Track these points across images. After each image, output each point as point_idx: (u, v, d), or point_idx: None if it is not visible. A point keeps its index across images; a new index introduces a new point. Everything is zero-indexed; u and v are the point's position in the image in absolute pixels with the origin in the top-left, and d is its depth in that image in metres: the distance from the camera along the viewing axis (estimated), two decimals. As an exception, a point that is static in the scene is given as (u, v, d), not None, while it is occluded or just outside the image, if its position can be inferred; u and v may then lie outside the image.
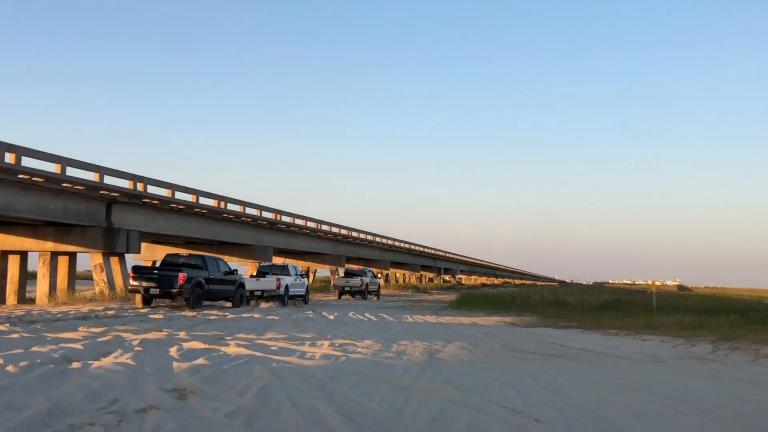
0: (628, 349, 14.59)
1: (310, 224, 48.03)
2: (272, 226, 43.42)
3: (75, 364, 8.85)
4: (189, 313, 20.06)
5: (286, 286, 30.23)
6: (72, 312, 19.20)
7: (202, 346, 11.77)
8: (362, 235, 58.60)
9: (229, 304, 26.12)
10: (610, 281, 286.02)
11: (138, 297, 23.30)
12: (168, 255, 25.81)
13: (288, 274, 31.35)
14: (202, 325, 16.10)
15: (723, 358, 13.30)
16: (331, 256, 53.80)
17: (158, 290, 22.66)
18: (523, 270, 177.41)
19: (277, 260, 52.70)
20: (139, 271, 23.29)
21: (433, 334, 16.87)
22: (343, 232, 54.12)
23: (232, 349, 11.39)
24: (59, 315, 17.74)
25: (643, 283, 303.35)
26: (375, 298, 43.86)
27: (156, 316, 18.47)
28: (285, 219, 44.41)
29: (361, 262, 62.42)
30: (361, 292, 42.59)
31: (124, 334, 13.18)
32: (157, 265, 27.75)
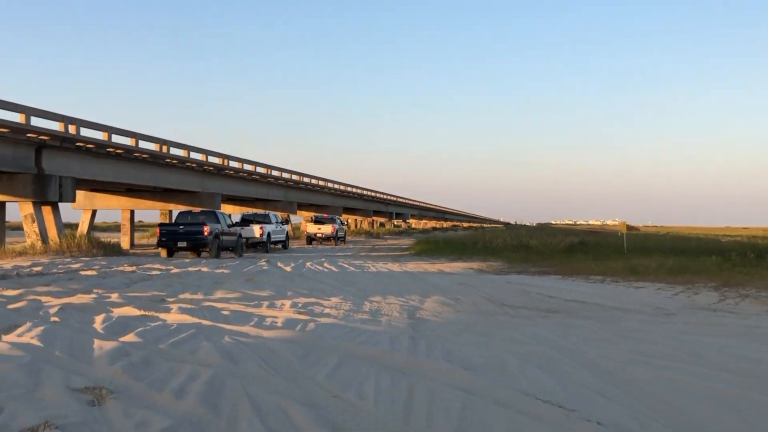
0: (626, 300, 12.83)
1: (260, 170, 45.34)
2: (220, 171, 40.62)
3: (-42, 349, 6.55)
4: (127, 268, 17.62)
5: (269, 234, 31.80)
6: (-8, 269, 16.63)
7: (136, 312, 9.52)
8: (314, 181, 56.10)
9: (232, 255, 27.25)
10: (553, 222, 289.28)
11: (163, 251, 25.26)
12: (180, 213, 27.00)
13: (269, 222, 32.90)
14: (141, 284, 13.77)
15: (736, 308, 11.62)
16: (283, 203, 51.20)
17: (185, 243, 24.49)
18: (469, 213, 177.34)
19: (226, 208, 50.06)
20: (166, 228, 25.36)
21: (404, 286, 14.90)
22: (294, 177, 51.51)
23: (173, 316, 9.17)
24: (-27, 274, 15.18)
25: (584, 223, 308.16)
26: (343, 243, 44.87)
27: (88, 272, 16.01)
28: (233, 164, 41.58)
29: (313, 209, 60.10)
30: (333, 238, 43.57)
31: (43, 298, 10.81)
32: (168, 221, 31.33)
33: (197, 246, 24.73)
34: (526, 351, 7.14)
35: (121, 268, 17.53)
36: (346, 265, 21.10)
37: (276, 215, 36.24)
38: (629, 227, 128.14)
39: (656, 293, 13.99)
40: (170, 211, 40.36)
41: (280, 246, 35.02)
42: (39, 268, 16.65)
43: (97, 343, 6.97)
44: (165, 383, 5.45)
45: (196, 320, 8.85)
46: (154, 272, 16.67)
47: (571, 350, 7.30)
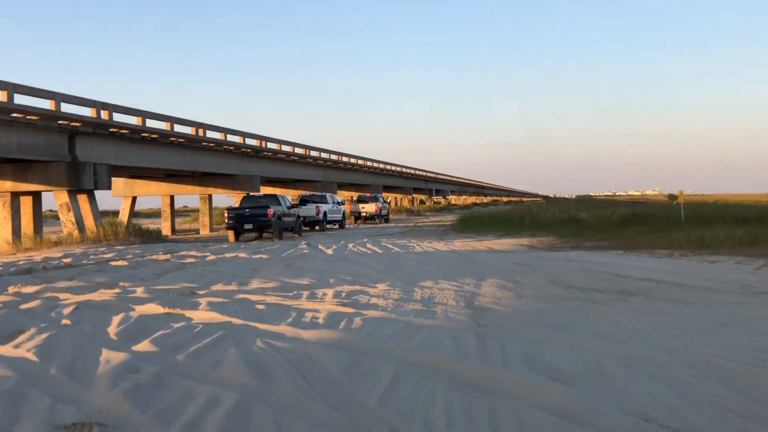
0: (706, 277, 11.26)
1: (298, 150, 44.17)
2: (257, 153, 39.55)
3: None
4: (161, 257, 16.53)
5: (324, 213, 33.24)
6: (22, 261, 15.68)
7: (160, 310, 8.32)
8: (353, 160, 54.80)
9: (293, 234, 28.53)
10: (592, 194, 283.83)
11: (231, 233, 26.31)
12: (244, 197, 28.17)
13: (326, 202, 34.28)
14: (173, 274, 12.60)
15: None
16: (322, 183, 49.99)
17: (252, 225, 25.65)
18: (508, 187, 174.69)
19: (266, 190, 49.11)
20: (233, 211, 26.25)
21: (455, 267, 13.52)
22: (333, 157, 50.27)
23: (200, 314, 7.93)
24: (0, 267, 14.20)
25: (624, 194, 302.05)
26: (386, 222, 44.00)
27: (119, 262, 14.94)
28: (271, 146, 40.45)
29: (353, 188, 58.90)
30: (378, 217, 43.28)
31: (62, 295, 9.69)
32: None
33: (262, 227, 26.05)
34: (624, 351, 5.71)
35: (155, 257, 16.45)
36: (390, 246, 19.77)
37: (333, 196, 37.43)
38: (672, 196, 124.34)
39: (736, 268, 12.37)
40: (210, 196, 39.48)
41: (336, 226, 36.44)
42: (69, 260, 15.65)
43: (104, 354, 5.75)
44: (175, 414, 4.19)
45: (225, 318, 7.60)
46: (188, 260, 15.55)
47: (677, 348, 5.85)
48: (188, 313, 8.04)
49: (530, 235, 24.75)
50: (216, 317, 7.71)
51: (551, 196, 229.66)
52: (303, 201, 33.75)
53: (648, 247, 17.25)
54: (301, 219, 30.55)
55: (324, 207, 33.35)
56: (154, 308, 8.42)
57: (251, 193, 30.16)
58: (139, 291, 9.98)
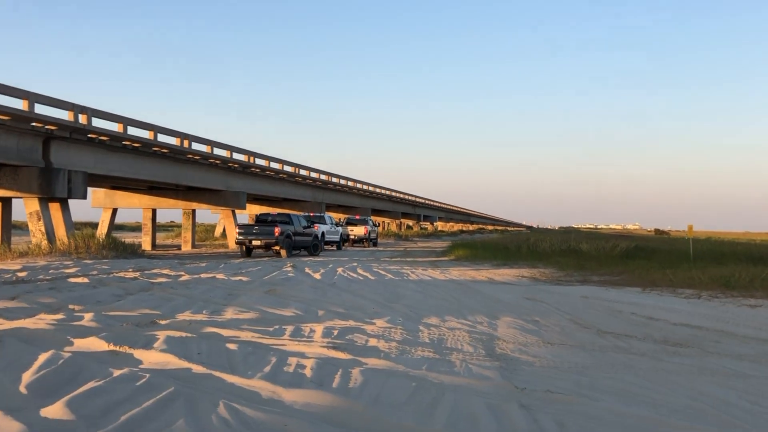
0: (752, 324, 9.55)
1: (287, 168, 42.28)
2: (245, 169, 37.63)
3: None
4: (129, 274, 14.56)
5: (322, 233, 32.65)
6: (-28, 275, 13.67)
7: (104, 347, 6.43)
8: (343, 181, 52.99)
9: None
10: (575, 225, 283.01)
11: (241, 249, 27.16)
12: (259, 214, 29.03)
13: (324, 223, 34.30)
14: (135, 297, 10.66)
15: None
16: (311, 204, 48.06)
17: (259, 242, 26.20)
18: (493, 216, 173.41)
19: (252, 207, 47.18)
20: (243, 228, 27.08)
21: (460, 301, 11.72)
22: (323, 177, 48.43)
23: (153, 356, 6.06)
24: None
25: (606, 227, 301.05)
26: (374, 246, 42.90)
27: (79, 279, 12.95)
28: (259, 162, 38.53)
29: (342, 210, 57.03)
30: (366, 240, 42.19)
31: (-10, 322, 7.77)
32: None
33: (269, 245, 26.38)
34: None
35: (121, 274, 14.48)
36: (382, 272, 17.93)
37: (331, 217, 37.57)
38: (660, 231, 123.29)
39: (783, 315, 10.65)
40: (193, 211, 37.47)
41: (334, 247, 36.61)
42: (24, 274, 13.66)
43: (-6, 423, 3.88)
44: None
45: (183, 364, 5.74)
46: (158, 279, 13.61)
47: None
48: (138, 354, 6.16)
49: (529, 265, 23.01)
50: (172, 361, 5.84)
51: (535, 226, 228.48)
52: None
53: (665, 284, 15.52)
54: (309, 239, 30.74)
55: (322, 227, 33.03)
56: (96, 344, 6.53)
57: (270, 212, 30.61)
58: (87, 318, 8.06)
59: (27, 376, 5.11)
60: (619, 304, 11.77)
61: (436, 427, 4.12)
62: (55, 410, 4.21)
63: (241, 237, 26.79)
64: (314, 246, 29.47)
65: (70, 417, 4.08)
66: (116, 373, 5.28)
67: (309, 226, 29.66)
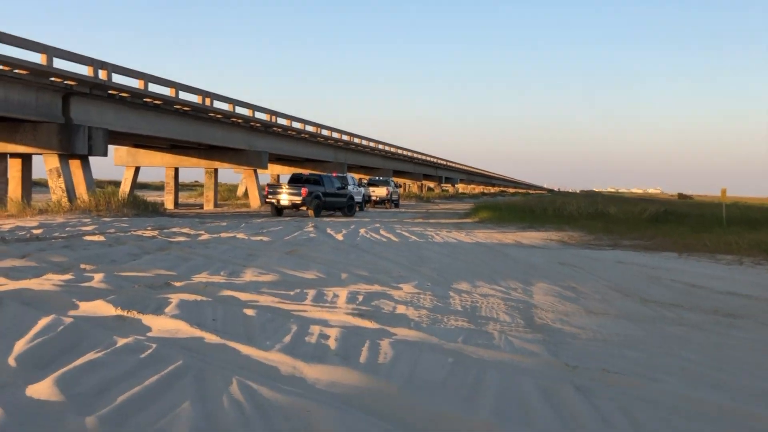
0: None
1: (309, 128, 41.51)
2: (267, 129, 36.95)
3: None
4: (147, 233, 14.06)
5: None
6: (-13, 231, 13.24)
7: (111, 311, 5.88)
8: (365, 142, 52.16)
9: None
10: (596, 189, 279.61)
11: (271, 208, 27.14)
12: (293, 174, 28.80)
13: (348, 184, 33.25)
14: (151, 256, 10.12)
15: None
16: (333, 164, 47.32)
17: (288, 201, 26.07)
18: (515, 178, 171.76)
19: (274, 168, 46.63)
20: (272, 187, 27.08)
21: (490, 265, 11.08)
22: (345, 137, 47.62)
23: (162, 322, 5.50)
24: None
25: (627, 191, 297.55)
26: (396, 207, 42.18)
27: (96, 237, 12.45)
28: (281, 121, 37.80)
29: (363, 171, 56.31)
30: (388, 201, 41.46)
31: (-5, 280, 7.26)
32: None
33: (296, 205, 26.29)
34: None
35: (140, 233, 13.99)
36: (406, 234, 17.30)
37: (353, 177, 36.53)
38: (683, 196, 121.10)
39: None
40: (215, 170, 36.99)
41: (356, 207, 36.07)
42: (40, 231, 13.18)
43: (-28, 402, 3.32)
44: None
45: (196, 332, 5.17)
46: (177, 239, 13.09)
47: None
48: (147, 320, 5.61)
49: (556, 228, 22.26)
50: (183, 329, 5.27)
51: (556, 189, 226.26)
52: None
53: (702, 250, 14.74)
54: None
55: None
56: (103, 308, 5.98)
57: (303, 173, 29.81)
58: (97, 279, 7.52)
59: (20, 345, 4.56)
60: (656, 270, 11.06)
61: (483, 416, 3.50)
62: (43, 388, 3.64)
63: (269, 197, 26.81)
64: (349, 207, 29.16)
65: (58, 397, 3.51)
66: (120, 342, 4.71)
67: (343, 187, 29.38)
